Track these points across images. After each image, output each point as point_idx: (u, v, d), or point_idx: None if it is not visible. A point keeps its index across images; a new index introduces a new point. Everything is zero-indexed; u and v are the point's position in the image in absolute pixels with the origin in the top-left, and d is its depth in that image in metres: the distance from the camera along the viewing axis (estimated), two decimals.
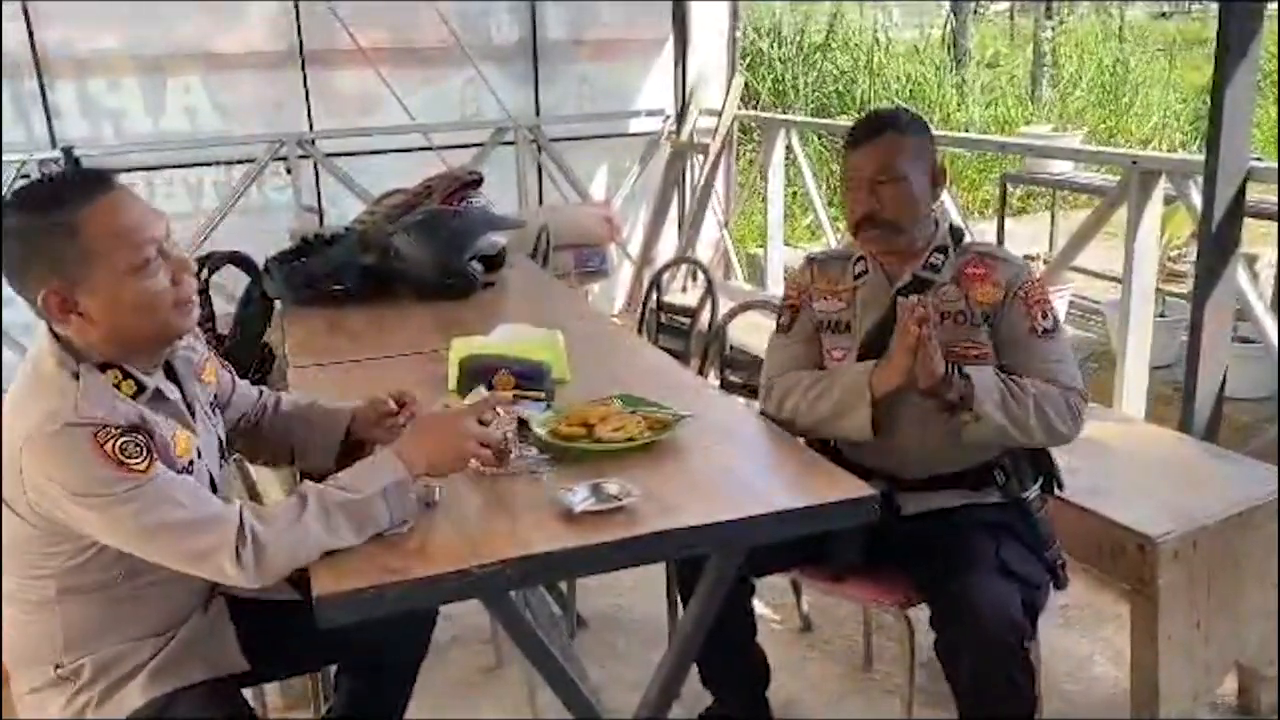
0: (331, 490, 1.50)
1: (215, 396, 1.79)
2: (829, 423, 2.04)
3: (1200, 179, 2.94)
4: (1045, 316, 2.01)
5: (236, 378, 1.90)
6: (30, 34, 4.60)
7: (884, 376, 1.95)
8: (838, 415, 2.01)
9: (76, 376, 1.46)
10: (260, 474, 2.41)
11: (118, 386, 1.49)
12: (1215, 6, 2.99)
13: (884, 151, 2.02)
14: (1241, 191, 2.81)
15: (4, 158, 4.57)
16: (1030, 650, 1.89)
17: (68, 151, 4.65)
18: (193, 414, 1.65)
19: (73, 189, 1.47)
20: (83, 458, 1.39)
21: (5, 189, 4.62)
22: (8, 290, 1.51)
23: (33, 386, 1.47)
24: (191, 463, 1.57)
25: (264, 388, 1.98)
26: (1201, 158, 2.92)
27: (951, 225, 2.15)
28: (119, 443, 1.41)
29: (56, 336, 1.51)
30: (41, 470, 1.41)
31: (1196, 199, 3.06)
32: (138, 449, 1.42)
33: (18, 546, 1.52)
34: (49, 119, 4.73)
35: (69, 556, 1.50)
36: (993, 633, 1.82)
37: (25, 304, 1.49)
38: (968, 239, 2.15)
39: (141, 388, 1.52)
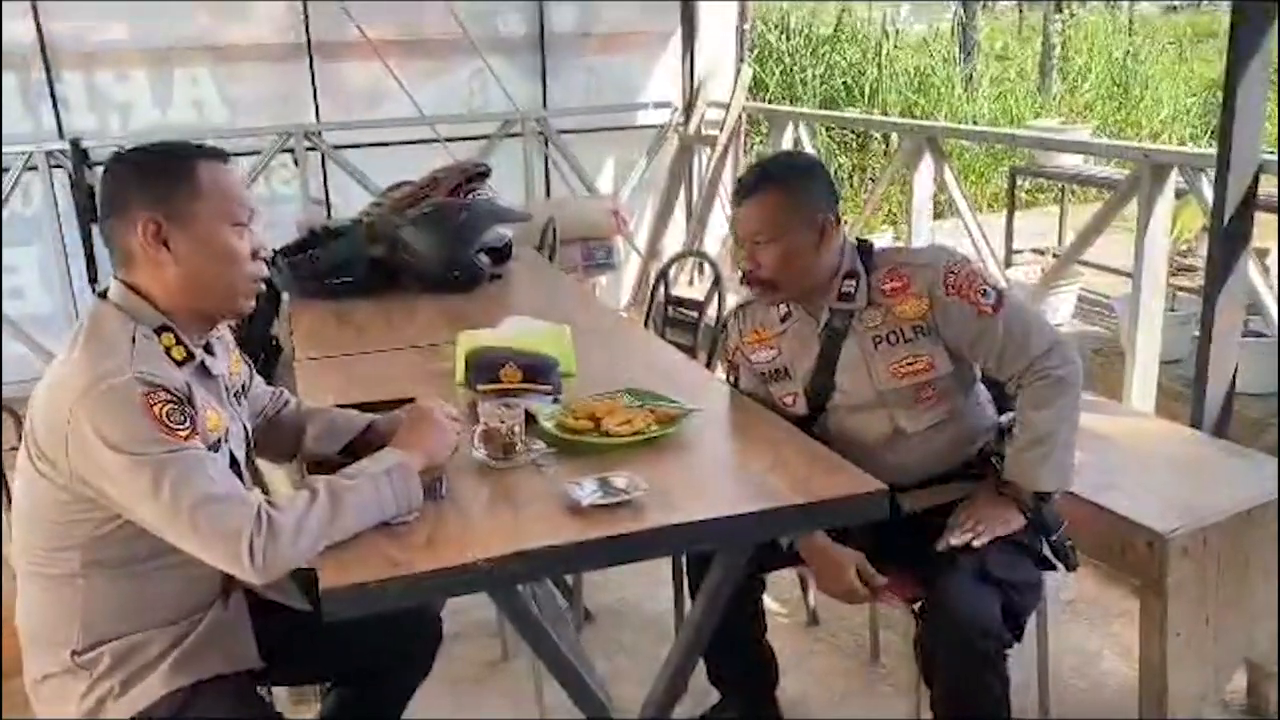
0: (338, 479, 1.52)
1: (242, 386, 1.82)
2: None
3: (1211, 172, 2.92)
4: (985, 294, 1.96)
5: (254, 372, 1.92)
6: (38, 26, 4.61)
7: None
8: None
9: (134, 340, 1.51)
10: (266, 464, 2.40)
11: (169, 351, 1.55)
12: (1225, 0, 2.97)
13: (760, 211, 2.01)
14: (1253, 185, 2.78)
15: (12, 149, 4.59)
16: (1008, 657, 1.89)
17: (75, 143, 4.66)
18: (226, 396, 1.70)
19: (197, 148, 1.62)
20: (132, 414, 1.42)
21: (11, 180, 4.63)
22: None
23: (90, 347, 1.51)
24: (219, 441, 1.59)
25: (283, 389, 2.00)
26: (1213, 151, 2.90)
27: (859, 242, 2.10)
28: (166, 408, 1.45)
29: (107, 299, 1.57)
30: (90, 422, 1.43)
31: (1208, 193, 3.04)
32: (182, 418, 1.46)
33: (45, 514, 1.53)
34: (56, 110, 4.74)
35: (95, 526, 1.51)
36: (968, 641, 1.82)
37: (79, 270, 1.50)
38: (877, 247, 2.11)
39: (190, 355, 1.58)
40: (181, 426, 1.45)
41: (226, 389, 1.71)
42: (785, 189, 2.01)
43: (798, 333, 2.11)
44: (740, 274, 2.10)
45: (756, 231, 2.01)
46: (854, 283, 2.04)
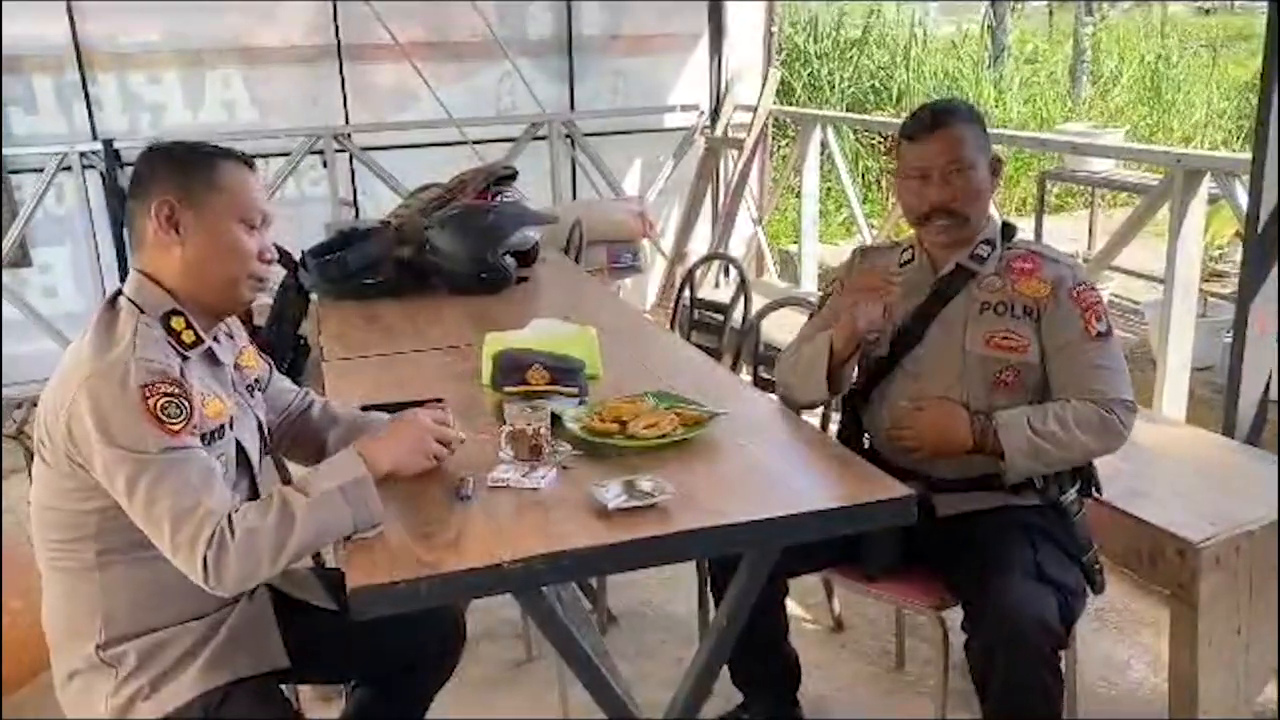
0: (294, 495, 1.49)
1: (256, 380, 1.83)
2: (799, 384, 2.12)
3: (1246, 177, 2.88)
4: (1099, 320, 1.99)
5: (275, 369, 1.93)
6: (73, 27, 4.68)
7: (837, 332, 2.05)
8: (804, 376, 2.10)
9: (136, 329, 1.53)
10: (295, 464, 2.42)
11: (179, 335, 1.57)
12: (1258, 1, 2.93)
13: (953, 141, 2.01)
14: None
15: (46, 149, 4.67)
16: (1062, 657, 1.87)
17: (108, 144, 4.71)
18: (234, 386, 1.71)
19: (225, 150, 1.66)
20: (127, 405, 1.45)
21: (45, 181, 4.69)
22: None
23: (96, 337, 1.53)
24: (221, 428, 1.60)
25: (308, 388, 2.01)
26: (1247, 156, 2.86)
27: (1004, 222, 2.15)
28: (162, 401, 1.46)
29: (121, 294, 1.59)
30: (87, 407, 1.45)
31: (1242, 198, 3.01)
32: (178, 411, 1.48)
33: (57, 503, 1.55)
34: (90, 111, 4.80)
35: (102, 510, 1.52)
36: (1028, 638, 1.80)
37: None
38: (1020, 235, 2.14)
39: (199, 339, 1.61)
40: (175, 420, 1.46)
41: (235, 379, 1.73)
42: (971, 122, 2.04)
43: (910, 278, 2.11)
44: (916, 212, 2.04)
45: (951, 160, 2.00)
46: (990, 248, 2.07)
